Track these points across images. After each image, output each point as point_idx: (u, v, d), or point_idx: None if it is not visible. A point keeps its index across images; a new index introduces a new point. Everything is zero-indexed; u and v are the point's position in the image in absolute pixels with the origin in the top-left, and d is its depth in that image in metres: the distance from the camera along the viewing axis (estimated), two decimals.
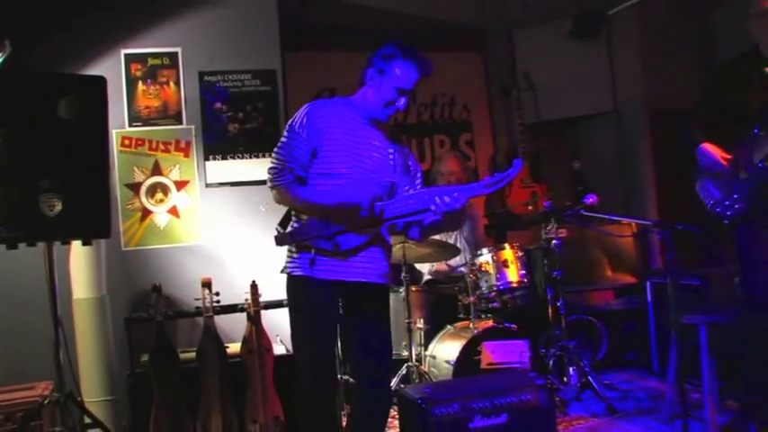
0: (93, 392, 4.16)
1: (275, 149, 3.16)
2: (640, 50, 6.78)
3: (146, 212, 4.97)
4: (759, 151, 3.77)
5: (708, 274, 5.14)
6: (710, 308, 4.51)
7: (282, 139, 3.15)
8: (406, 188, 3.28)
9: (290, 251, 3.20)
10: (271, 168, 3.15)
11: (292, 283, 3.20)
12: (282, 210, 3.25)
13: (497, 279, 4.94)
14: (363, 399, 3.35)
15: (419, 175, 3.40)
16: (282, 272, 3.24)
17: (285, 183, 3.10)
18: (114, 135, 4.87)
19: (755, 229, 3.92)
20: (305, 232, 3.05)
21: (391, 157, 3.27)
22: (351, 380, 4.72)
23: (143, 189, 4.97)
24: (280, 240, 3.13)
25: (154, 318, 3.89)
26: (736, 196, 3.91)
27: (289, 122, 3.19)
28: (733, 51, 4.20)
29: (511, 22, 6.99)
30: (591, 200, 4.84)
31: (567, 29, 6.81)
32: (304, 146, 3.09)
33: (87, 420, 3.67)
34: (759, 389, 4.02)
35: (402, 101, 3.15)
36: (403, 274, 4.80)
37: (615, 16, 6.84)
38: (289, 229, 3.15)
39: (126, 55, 4.98)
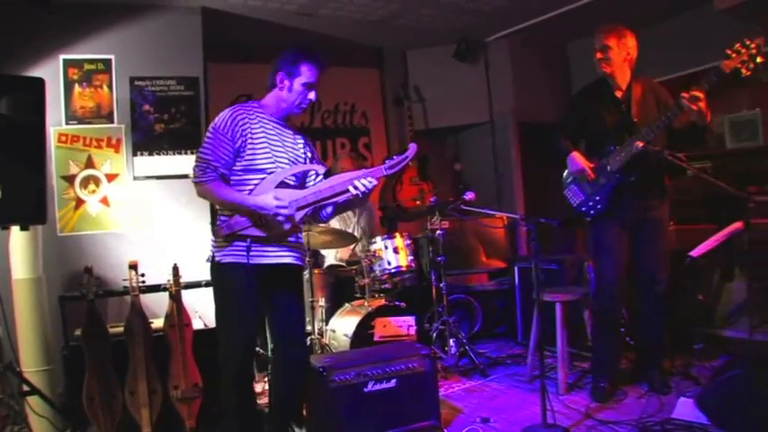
0: (30, 363, 4.05)
1: (200, 149, 3.10)
2: (511, 72, 7.03)
3: (79, 202, 4.86)
4: (617, 160, 3.95)
5: (561, 259, 5.36)
6: (564, 288, 4.70)
7: (207, 140, 3.08)
8: (313, 174, 3.33)
9: (219, 241, 3.13)
10: (196, 166, 3.08)
11: (223, 270, 3.11)
12: (202, 201, 3.21)
13: (389, 263, 4.99)
14: (287, 367, 3.34)
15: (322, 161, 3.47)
16: (209, 260, 3.19)
17: (209, 180, 3.04)
18: (52, 132, 4.76)
19: (608, 224, 4.10)
20: (241, 223, 3.06)
21: (302, 149, 3.33)
22: (261, 351, 4.74)
23: (77, 180, 4.86)
24: (217, 233, 3.11)
25: (86, 296, 3.79)
26: (597, 198, 4.07)
27: (212, 124, 3.14)
28: (584, 75, 4.36)
29: (404, 44, 7.12)
30: (469, 196, 4.93)
31: (451, 51, 6.97)
32: (228, 146, 3.06)
33: (26, 388, 3.58)
34: (600, 354, 4.25)
35: (312, 93, 3.21)
36: (307, 259, 4.82)
37: (491, 43, 7.07)
38: (219, 222, 3.13)
39: (64, 60, 4.86)
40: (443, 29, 6.50)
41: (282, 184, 3.13)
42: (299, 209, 3.09)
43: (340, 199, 3.18)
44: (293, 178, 3.22)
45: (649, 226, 4.07)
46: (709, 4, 5.13)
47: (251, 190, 3.09)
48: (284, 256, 3.19)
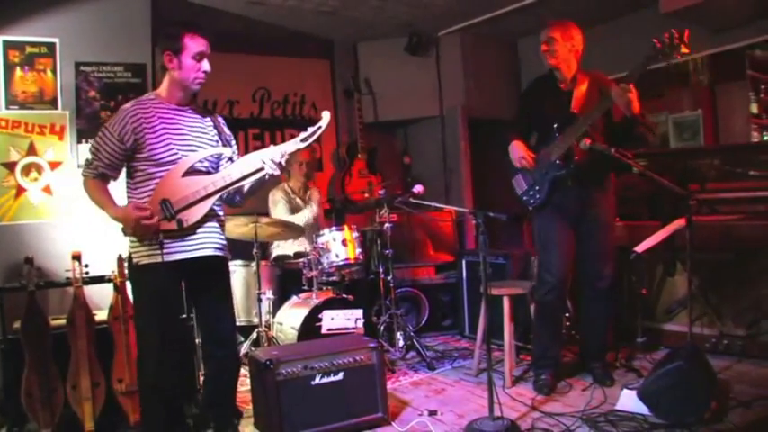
0: None
1: (91, 144, 3.06)
2: (462, 67, 7.08)
3: (20, 190, 4.72)
4: (556, 150, 4.00)
5: (508, 253, 5.40)
6: (511, 282, 4.74)
7: (97, 137, 3.02)
8: (227, 157, 3.23)
9: (134, 241, 3.05)
10: (86, 159, 3.08)
11: (140, 272, 3.03)
12: None
13: (337, 256, 4.97)
14: (213, 361, 3.30)
15: (232, 141, 3.35)
16: (126, 261, 3.13)
17: (89, 176, 3.05)
18: None
19: (553, 217, 4.14)
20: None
21: (212, 130, 3.21)
22: None
23: (18, 168, 4.72)
24: (125, 231, 3.01)
25: (26, 287, 3.68)
26: (537, 188, 4.13)
27: (106, 122, 3.05)
28: (534, 72, 4.41)
29: (356, 36, 7.08)
30: (418, 189, 4.95)
31: (403, 45, 6.97)
32: (115, 147, 2.98)
33: None
34: (542, 346, 4.30)
35: (206, 64, 3.07)
36: (254, 251, 4.77)
37: (443, 38, 7.09)
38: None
39: (4, 41, 4.70)
40: (395, 22, 6.50)
41: (195, 172, 3.05)
42: (180, 210, 2.97)
43: (249, 181, 3.11)
44: (206, 163, 3.11)
45: (592, 221, 4.12)
46: (655, 5, 5.23)
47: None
48: (202, 249, 3.08)
